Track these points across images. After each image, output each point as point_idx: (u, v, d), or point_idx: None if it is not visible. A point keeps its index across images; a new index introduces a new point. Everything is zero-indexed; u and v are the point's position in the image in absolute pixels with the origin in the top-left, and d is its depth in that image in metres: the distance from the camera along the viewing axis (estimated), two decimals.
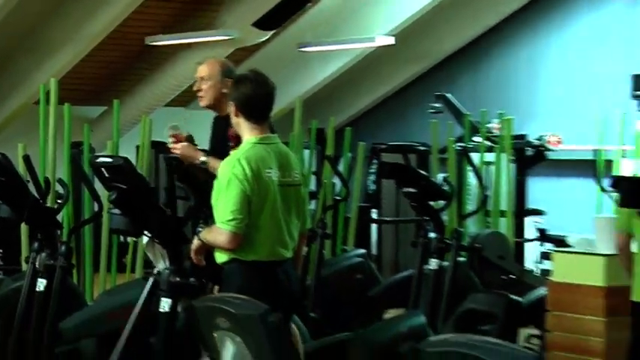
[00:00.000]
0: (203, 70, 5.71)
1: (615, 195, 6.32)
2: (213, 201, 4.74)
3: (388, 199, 10.86)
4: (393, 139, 11.70)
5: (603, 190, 9.23)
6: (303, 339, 5.13)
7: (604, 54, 12.01)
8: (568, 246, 7.79)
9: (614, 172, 9.69)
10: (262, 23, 11.14)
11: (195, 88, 5.81)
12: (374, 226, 10.97)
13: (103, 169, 4.83)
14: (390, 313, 6.86)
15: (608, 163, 9.93)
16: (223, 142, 5.38)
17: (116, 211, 4.95)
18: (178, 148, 5.53)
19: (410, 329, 5.22)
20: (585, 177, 10.44)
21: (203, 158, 5.47)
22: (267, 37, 11.55)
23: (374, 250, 10.74)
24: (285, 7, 10.98)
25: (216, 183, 4.75)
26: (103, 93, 12.35)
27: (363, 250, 8.67)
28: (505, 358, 3.09)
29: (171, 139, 5.58)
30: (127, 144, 9.04)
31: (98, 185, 5.29)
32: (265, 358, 4.05)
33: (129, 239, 8.17)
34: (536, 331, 5.61)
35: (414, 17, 12.05)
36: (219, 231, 4.68)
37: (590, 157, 10.26)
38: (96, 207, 6.61)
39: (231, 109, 4.90)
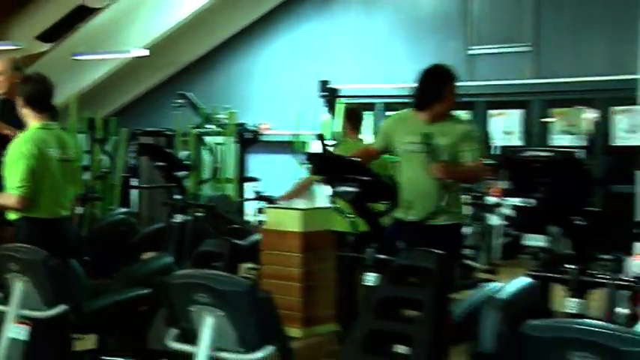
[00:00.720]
0: None
1: (308, 166, 6.49)
2: (6, 172, 4.54)
3: (145, 170, 10.69)
4: (148, 126, 11.51)
5: (300, 163, 9.48)
6: (80, 277, 4.96)
7: (300, 64, 12.28)
8: (276, 203, 7.94)
9: (307, 150, 9.99)
10: (44, 37, 10.83)
11: None
12: (134, 191, 10.78)
13: None
14: (147, 256, 6.73)
15: (303, 143, 10.22)
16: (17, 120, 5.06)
17: None
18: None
19: (160, 267, 5.16)
20: (287, 154, 10.69)
21: (7, 131, 5.15)
22: (48, 47, 11.16)
23: (134, 209, 10.55)
24: (61, 25, 10.76)
25: (7, 158, 4.54)
26: None
27: (125, 209, 8.49)
28: (228, 285, 3.13)
29: None
30: None
31: None
32: (47, 293, 3.92)
33: None
34: (253, 266, 5.67)
35: (164, 34, 11.91)
36: (10, 195, 4.49)
37: (290, 139, 10.50)
38: None
39: (19, 102, 4.68)
